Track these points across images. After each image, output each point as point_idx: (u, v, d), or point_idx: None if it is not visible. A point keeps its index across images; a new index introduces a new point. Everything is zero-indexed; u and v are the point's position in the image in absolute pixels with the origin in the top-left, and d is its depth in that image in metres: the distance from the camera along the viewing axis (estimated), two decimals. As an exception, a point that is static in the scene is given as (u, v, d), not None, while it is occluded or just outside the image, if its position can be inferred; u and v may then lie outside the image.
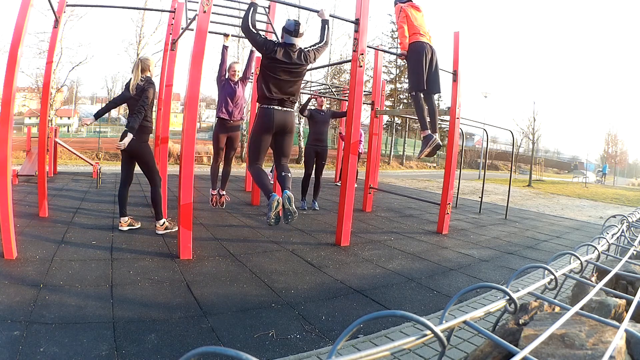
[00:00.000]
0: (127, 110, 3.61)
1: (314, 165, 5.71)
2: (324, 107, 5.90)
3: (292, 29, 3.18)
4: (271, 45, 3.15)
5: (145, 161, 3.68)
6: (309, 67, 3.42)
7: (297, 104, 3.51)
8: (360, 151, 8.11)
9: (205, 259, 3.07)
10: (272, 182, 5.21)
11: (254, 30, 3.16)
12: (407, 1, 4.43)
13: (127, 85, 3.61)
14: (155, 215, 3.75)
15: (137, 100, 3.52)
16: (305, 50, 3.29)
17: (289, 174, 3.26)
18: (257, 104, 3.39)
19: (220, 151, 4.86)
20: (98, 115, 3.77)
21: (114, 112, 34.47)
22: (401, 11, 4.35)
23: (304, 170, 5.77)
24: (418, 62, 4.22)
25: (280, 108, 3.27)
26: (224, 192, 5.09)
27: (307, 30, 17.99)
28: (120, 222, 3.72)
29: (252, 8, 3.18)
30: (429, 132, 4.24)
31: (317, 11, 3.55)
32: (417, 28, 4.32)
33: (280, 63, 3.16)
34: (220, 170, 5.03)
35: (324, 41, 3.43)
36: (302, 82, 3.52)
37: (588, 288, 1.08)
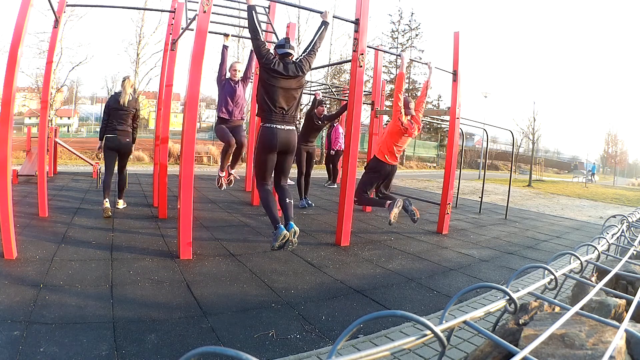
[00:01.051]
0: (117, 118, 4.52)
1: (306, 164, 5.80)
2: (322, 115, 6.01)
3: (284, 42, 3.31)
4: (271, 57, 3.22)
5: (129, 156, 4.83)
6: (306, 76, 3.44)
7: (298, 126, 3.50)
8: (338, 148, 8.19)
9: (205, 259, 3.07)
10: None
11: (261, 37, 3.23)
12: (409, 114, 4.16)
13: (116, 99, 4.51)
14: (118, 195, 4.86)
15: (126, 111, 4.56)
16: (298, 61, 3.33)
17: (292, 201, 3.31)
18: (260, 121, 3.33)
19: (230, 137, 4.55)
20: (102, 136, 4.61)
21: (114, 112, 34.43)
22: (406, 121, 4.06)
23: (297, 170, 5.82)
24: (375, 178, 4.27)
25: (282, 127, 3.23)
26: (233, 171, 4.79)
27: (307, 30, 17.99)
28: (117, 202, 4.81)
29: (253, 12, 3.19)
30: (388, 201, 4.07)
31: (320, 12, 3.56)
32: (399, 148, 4.18)
33: (277, 74, 3.20)
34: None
35: (314, 43, 3.44)
36: (303, 89, 3.50)
37: (588, 288, 1.08)
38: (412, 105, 4.24)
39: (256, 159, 3.37)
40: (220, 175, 4.75)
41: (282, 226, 3.05)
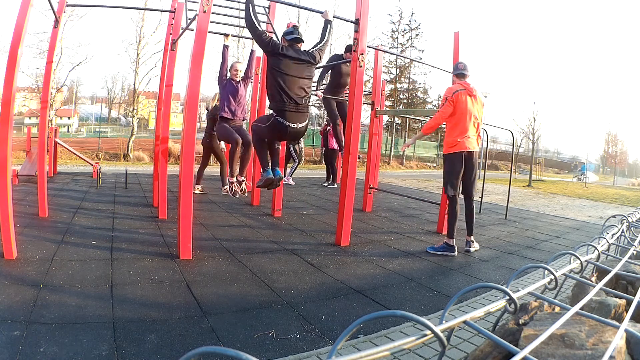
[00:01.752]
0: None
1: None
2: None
3: (292, 30, 3.32)
4: (276, 42, 3.19)
5: (207, 151, 6.18)
6: (316, 66, 3.45)
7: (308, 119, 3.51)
8: (337, 148, 8.24)
9: (205, 259, 3.07)
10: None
11: (259, 27, 3.20)
12: (463, 83, 3.76)
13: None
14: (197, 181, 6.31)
15: (209, 117, 5.93)
16: (310, 50, 3.35)
17: (279, 147, 3.68)
18: (270, 110, 3.33)
19: (233, 134, 4.46)
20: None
21: (114, 113, 34.56)
22: (453, 96, 3.68)
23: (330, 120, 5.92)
24: (454, 169, 3.81)
25: (295, 125, 3.25)
26: (244, 178, 4.58)
27: (307, 30, 18.01)
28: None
29: (250, 5, 3.19)
30: (453, 241, 3.78)
31: (319, 12, 3.56)
32: (466, 128, 3.71)
33: (287, 58, 3.16)
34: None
35: (324, 40, 3.46)
36: (312, 82, 3.49)
37: (588, 288, 1.08)
38: (467, 72, 3.80)
39: (258, 132, 3.42)
40: (232, 181, 4.51)
41: (269, 170, 3.50)
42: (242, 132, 4.66)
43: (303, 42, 3.35)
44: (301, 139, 6.79)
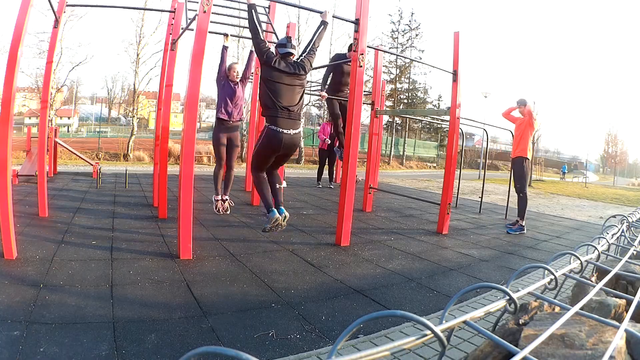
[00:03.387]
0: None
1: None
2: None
3: (286, 42, 3.34)
4: (272, 55, 3.24)
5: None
6: (308, 73, 3.48)
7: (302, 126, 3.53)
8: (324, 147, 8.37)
9: (205, 259, 3.07)
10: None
11: (260, 35, 3.26)
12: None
13: None
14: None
15: None
16: (300, 60, 3.38)
17: (281, 186, 3.58)
18: (265, 121, 3.35)
19: (222, 153, 4.78)
20: None
21: (114, 113, 34.56)
22: (527, 121, 5.13)
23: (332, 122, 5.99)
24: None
25: (289, 132, 3.25)
26: (227, 197, 4.94)
27: (307, 30, 18.00)
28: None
29: (253, 11, 3.20)
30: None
31: (319, 12, 3.57)
32: (525, 143, 5.23)
33: (280, 72, 3.23)
34: (223, 175, 4.96)
35: (313, 44, 3.48)
36: (305, 89, 3.54)
37: (588, 288, 1.08)
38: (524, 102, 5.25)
39: (256, 154, 3.43)
40: (217, 199, 4.84)
41: (274, 210, 3.32)
42: (230, 149, 4.82)
43: (294, 55, 3.37)
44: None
